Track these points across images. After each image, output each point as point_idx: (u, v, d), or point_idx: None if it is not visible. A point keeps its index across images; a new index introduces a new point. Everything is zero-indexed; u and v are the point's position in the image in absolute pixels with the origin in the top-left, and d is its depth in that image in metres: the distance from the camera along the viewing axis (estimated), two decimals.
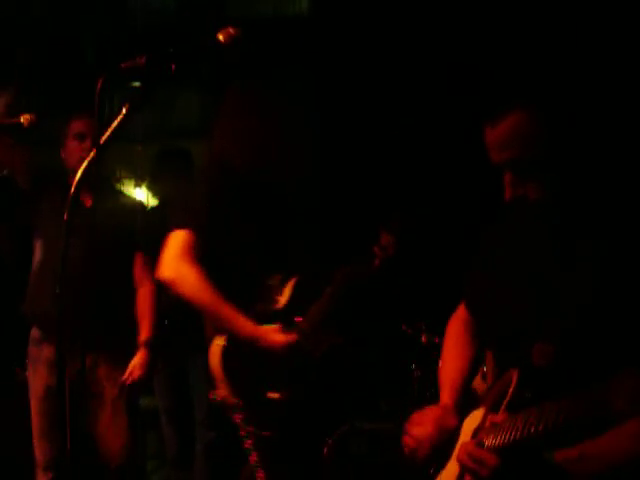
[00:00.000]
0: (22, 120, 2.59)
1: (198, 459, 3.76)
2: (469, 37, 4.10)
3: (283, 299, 2.55)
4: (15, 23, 5.05)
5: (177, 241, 2.43)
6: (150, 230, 3.37)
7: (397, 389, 3.30)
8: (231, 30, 1.61)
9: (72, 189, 1.50)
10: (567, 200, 1.63)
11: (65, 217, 1.48)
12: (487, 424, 1.65)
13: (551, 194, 1.62)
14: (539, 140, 1.59)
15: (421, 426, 1.80)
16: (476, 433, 1.70)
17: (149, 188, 4.07)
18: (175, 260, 2.41)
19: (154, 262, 2.88)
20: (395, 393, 3.32)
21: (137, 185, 6.46)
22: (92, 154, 1.53)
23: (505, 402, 1.63)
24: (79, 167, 2.77)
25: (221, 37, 1.61)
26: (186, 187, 3.74)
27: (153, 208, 4.13)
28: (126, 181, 6.70)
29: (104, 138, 1.53)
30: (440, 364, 1.97)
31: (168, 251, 2.44)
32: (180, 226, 2.46)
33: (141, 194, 5.99)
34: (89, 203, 2.96)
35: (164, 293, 3.46)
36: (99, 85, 1.55)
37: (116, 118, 1.56)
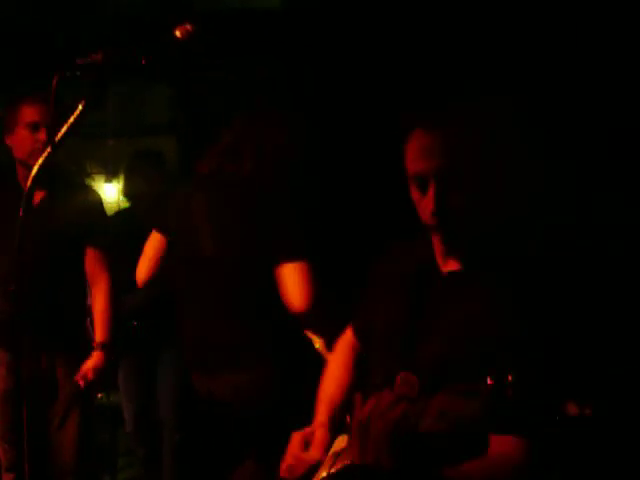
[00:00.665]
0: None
1: (165, 459, 3.77)
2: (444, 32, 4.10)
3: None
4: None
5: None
6: (112, 226, 3.38)
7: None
8: (187, 26, 1.61)
9: (28, 185, 1.49)
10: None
11: (20, 214, 1.47)
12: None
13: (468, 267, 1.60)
14: (473, 154, 1.54)
15: (299, 445, 1.78)
16: (334, 457, 1.71)
17: (122, 190, 4.06)
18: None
19: (110, 259, 2.92)
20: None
21: (108, 181, 6.43)
22: (48, 150, 1.52)
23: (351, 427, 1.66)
24: (30, 159, 2.77)
25: (178, 33, 1.60)
26: (157, 188, 3.80)
27: (125, 209, 4.13)
28: (97, 177, 6.67)
29: (60, 134, 1.52)
30: (322, 381, 1.95)
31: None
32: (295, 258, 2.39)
33: (112, 190, 5.97)
34: (38, 200, 2.86)
35: (132, 292, 3.45)
36: (54, 81, 1.54)
37: (72, 114, 1.56)
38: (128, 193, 3.99)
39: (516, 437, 1.48)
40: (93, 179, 6.59)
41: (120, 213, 4.17)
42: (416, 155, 1.57)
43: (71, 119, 1.55)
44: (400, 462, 1.50)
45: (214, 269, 2.50)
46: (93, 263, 2.99)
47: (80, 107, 1.55)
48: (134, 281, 2.88)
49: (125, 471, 4.46)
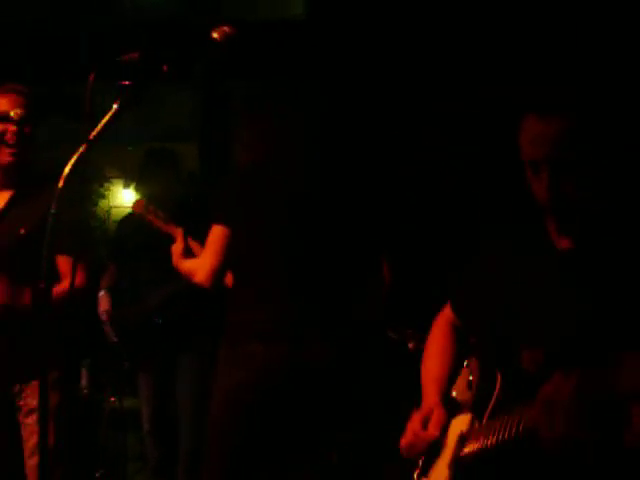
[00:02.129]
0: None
1: (181, 465, 3.74)
2: (466, 43, 4.10)
3: None
4: (10, 21, 5.03)
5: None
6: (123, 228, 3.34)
7: (383, 396, 3.29)
8: (226, 29, 1.60)
9: (60, 184, 1.48)
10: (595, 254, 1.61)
11: (53, 210, 1.46)
12: (473, 430, 1.65)
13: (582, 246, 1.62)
14: (589, 143, 1.57)
15: (420, 424, 1.81)
16: (461, 438, 1.70)
17: (136, 188, 4.05)
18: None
19: (81, 260, 2.67)
20: (380, 400, 3.31)
21: (126, 186, 6.44)
22: (81, 149, 1.51)
23: (489, 407, 1.63)
24: None
25: (216, 35, 1.59)
26: (171, 188, 3.82)
27: (126, 216, 4.13)
28: (115, 182, 6.68)
29: (94, 134, 1.51)
30: (423, 362, 1.97)
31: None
32: None
33: (130, 195, 5.97)
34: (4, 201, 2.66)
35: (153, 294, 3.44)
36: (91, 79, 1.53)
37: (106, 115, 1.55)
38: (141, 193, 3.99)
39: None
40: (112, 184, 6.61)
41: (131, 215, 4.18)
42: (530, 140, 1.61)
43: (106, 118, 1.54)
44: (596, 428, 1.42)
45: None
46: (62, 265, 2.59)
47: (115, 107, 1.54)
48: (153, 280, 2.86)
49: (135, 477, 4.43)
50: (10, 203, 2.65)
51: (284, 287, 2.60)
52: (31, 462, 2.52)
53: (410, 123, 4.34)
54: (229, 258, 2.57)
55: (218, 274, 2.56)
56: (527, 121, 1.61)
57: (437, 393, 1.85)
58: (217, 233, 2.59)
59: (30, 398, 2.55)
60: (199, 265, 2.60)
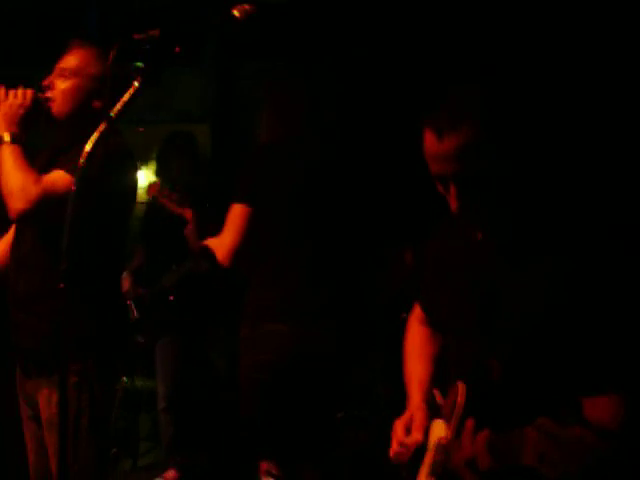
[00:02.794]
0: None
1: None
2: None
3: None
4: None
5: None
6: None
7: (393, 377, 3.29)
8: (246, 6, 1.60)
9: (82, 160, 1.48)
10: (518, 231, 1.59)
11: (74, 188, 1.46)
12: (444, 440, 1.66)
13: (498, 231, 1.60)
14: (487, 156, 1.51)
15: (403, 430, 1.80)
16: (438, 446, 1.68)
17: (156, 172, 4.09)
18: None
19: None
20: (391, 381, 3.32)
21: (138, 167, 6.42)
22: (103, 126, 1.51)
23: (454, 416, 1.63)
24: None
25: (236, 12, 1.59)
26: (188, 173, 3.84)
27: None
28: None
29: (116, 110, 1.51)
30: (404, 363, 1.96)
31: None
32: None
33: (142, 176, 5.96)
34: None
35: (169, 274, 3.47)
36: (111, 56, 1.53)
37: (128, 92, 1.55)
38: (160, 176, 4.01)
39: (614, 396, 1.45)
40: None
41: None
42: (432, 158, 1.56)
43: (126, 96, 1.54)
44: None
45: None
46: None
47: (136, 84, 1.54)
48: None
49: (147, 456, 4.47)
50: None
51: (302, 267, 2.61)
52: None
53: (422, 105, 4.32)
54: (249, 237, 2.58)
55: (237, 253, 2.57)
56: (426, 138, 1.55)
57: (420, 395, 1.85)
58: (237, 212, 2.60)
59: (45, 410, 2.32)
60: (218, 244, 2.60)
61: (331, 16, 4.68)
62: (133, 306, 3.61)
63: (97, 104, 2.35)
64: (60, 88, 2.35)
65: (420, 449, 1.75)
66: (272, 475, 4.03)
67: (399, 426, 1.82)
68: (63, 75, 2.36)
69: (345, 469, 3.28)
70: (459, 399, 1.61)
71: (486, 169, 1.51)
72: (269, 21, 3.83)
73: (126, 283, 3.96)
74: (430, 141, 1.54)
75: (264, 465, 4.06)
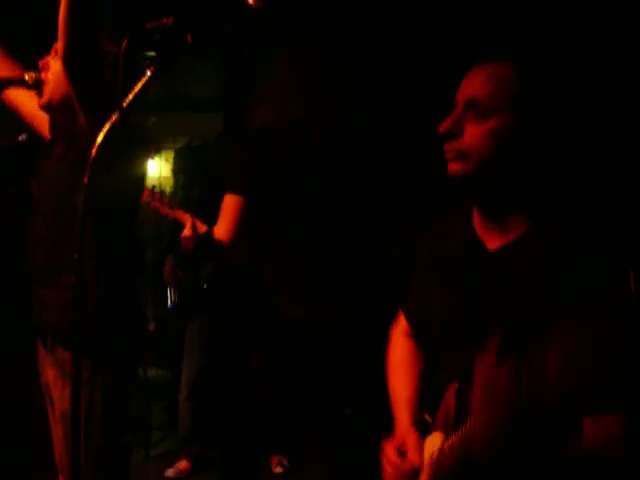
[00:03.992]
0: (26, 78, 2.38)
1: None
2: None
3: None
4: None
5: None
6: None
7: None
8: None
9: (93, 152, 1.45)
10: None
11: (85, 181, 1.43)
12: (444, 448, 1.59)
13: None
14: (510, 95, 1.49)
15: (396, 454, 1.73)
16: (432, 461, 1.63)
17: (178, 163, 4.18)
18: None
19: None
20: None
21: (150, 156, 6.43)
22: (114, 117, 1.48)
23: (452, 425, 1.58)
24: None
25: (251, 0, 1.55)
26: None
27: None
28: None
29: (128, 100, 1.47)
30: (388, 379, 1.88)
31: None
32: None
33: (154, 166, 5.96)
34: None
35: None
36: (123, 45, 1.50)
37: (140, 81, 1.51)
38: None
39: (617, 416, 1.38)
40: None
41: None
42: (464, 81, 1.58)
43: (138, 86, 1.50)
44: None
45: None
46: None
47: (148, 74, 1.51)
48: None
49: (159, 446, 4.47)
50: None
51: (304, 252, 2.61)
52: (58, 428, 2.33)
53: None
54: (243, 227, 2.58)
55: (232, 245, 2.59)
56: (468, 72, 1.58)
57: (408, 417, 1.77)
58: (230, 202, 2.60)
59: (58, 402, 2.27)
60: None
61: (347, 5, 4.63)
62: (173, 291, 3.66)
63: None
64: (54, 69, 2.25)
65: (417, 472, 1.68)
66: (282, 466, 4.04)
67: (390, 449, 1.73)
68: (58, 56, 2.18)
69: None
70: (451, 407, 1.57)
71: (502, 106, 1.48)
72: (286, 7, 3.81)
73: (168, 267, 4.00)
74: (466, 75, 1.54)
75: (275, 458, 4.07)
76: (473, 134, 1.50)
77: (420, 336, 1.85)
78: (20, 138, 2.78)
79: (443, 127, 1.52)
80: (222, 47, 4.75)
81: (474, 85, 1.52)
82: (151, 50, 1.55)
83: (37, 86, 2.31)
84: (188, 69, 4.99)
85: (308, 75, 2.73)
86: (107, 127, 1.47)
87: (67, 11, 1.97)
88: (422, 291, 1.76)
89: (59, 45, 2.05)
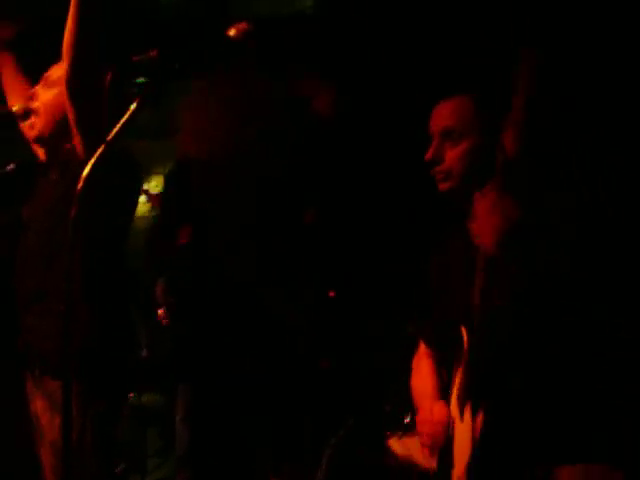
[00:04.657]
0: (15, 109, 2.34)
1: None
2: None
3: None
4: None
5: None
6: None
7: (400, 391, 3.28)
8: (243, 25, 1.60)
9: (80, 185, 1.47)
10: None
11: (72, 215, 1.45)
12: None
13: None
14: (475, 120, 1.84)
15: (427, 423, 1.93)
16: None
17: None
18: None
19: None
20: (398, 395, 3.30)
21: (147, 180, 6.45)
22: (101, 149, 1.50)
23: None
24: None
25: (232, 32, 1.59)
26: None
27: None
28: None
29: (113, 133, 1.50)
30: (415, 400, 2.09)
31: None
32: None
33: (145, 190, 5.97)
34: None
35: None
36: (108, 78, 1.53)
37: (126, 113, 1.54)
38: None
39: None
40: None
41: None
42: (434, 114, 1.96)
43: (124, 118, 1.53)
44: None
45: None
46: None
47: (134, 106, 1.54)
48: None
49: (155, 472, 4.45)
50: None
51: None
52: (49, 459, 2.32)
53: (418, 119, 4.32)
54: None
55: None
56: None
57: (433, 399, 1.97)
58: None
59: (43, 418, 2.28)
60: None
61: (332, 29, 4.69)
62: (165, 313, 3.67)
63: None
64: (44, 98, 2.23)
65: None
66: None
67: (422, 417, 1.94)
68: (46, 85, 2.22)
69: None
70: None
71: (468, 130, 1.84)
72: (273, 35, 3.86)
73: (159, 290, 4.04)
74: (436, 107, 1.92)
75: None
76: (452, 157, 1.84)
77: (440, 354, 2.04)
78: (8, 168, 2.80)
79: (428, 156, 1.87)
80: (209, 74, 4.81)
81: (444, 117, 1.88)
82: (137, 81, 1.59)
83: (26, 117, 2.32)
84: (176, 96, 5.04)
85: (231, 100, 2.76)
86: (94, 159, 1.49)
87: (73, 32, 1.97)
88: (436, 309, 1.95)
89: (64, 66, 2.02)
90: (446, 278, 1.87)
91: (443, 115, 1.88)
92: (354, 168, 4.14)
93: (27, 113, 2.30)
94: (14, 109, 2.37)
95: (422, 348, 2.11)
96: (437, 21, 4.24)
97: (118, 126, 1.51)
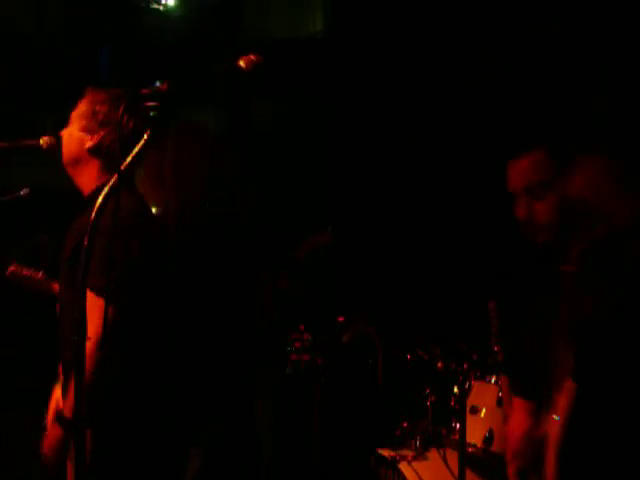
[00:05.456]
0: (41, 142, 2.45)
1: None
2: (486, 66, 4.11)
3: None
4: (31, 38, 5.10)
5: None
6: None
7: (412, 415, 3.27)
8: (253, 57, 1.62)
9: (92, 215, 1.49)
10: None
11: (85, 244, 1.47)
12: None
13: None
14: (549, 172, 1.99)
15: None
16: None
17: None
18: None
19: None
20: (410, 419, 3.29)
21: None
22: (114, 179, 1.53)
23: None
24: None
25: (242, 63, 1.61)
26: None
27: None
28: None
29: (126, 164, 1.53)
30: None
31: None
32: None
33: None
34: None
35: None
36: (120, 111, 1.55)
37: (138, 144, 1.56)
38: None
39: None
40: None
41: None
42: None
43: (137, 148, 1.56)
44: None
45: None
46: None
47: (145, 137, 1.56)
48: None
49: None
50: None
51: None
52: None
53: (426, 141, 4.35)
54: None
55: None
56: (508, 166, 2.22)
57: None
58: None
59: None
60: None
61: (342, 52, 4.73)
62: None
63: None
64: (67, 130, 2.36)
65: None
66: None
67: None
68: (71, 121, 2.35)
69: None
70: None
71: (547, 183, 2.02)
72: (280, 62, 3.89)
73: None
74: (509, 165, 2.11)
75: None
76: (540, 213, 2.01)
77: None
78: (22, 192, 2.85)
79: (519, 214, 2.04)
80: (219, 101, 4.86)
81: (523, 175, 2.04)
82: (148, 113, 1.61)
83: (51, 149, 2.40)
84: (188, 119, 5.08)
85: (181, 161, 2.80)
86: (106, 190, 1.51)
87: None
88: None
89: None
90: (541, 336, 2.01)
91: (523, 171, 2.03)
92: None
93: (51, 146, 2.40)
94: (40, 142, 2.45)
95: (517, 402, 2.26)
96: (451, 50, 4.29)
97: (131, 156, 1.54)
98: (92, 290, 1.78)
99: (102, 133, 2.18)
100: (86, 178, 2.30)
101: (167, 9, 5.17)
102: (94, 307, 1.80)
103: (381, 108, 4.48)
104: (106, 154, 2.19)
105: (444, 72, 4.23)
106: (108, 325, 1.90)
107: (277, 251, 3.64)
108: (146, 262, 2.17)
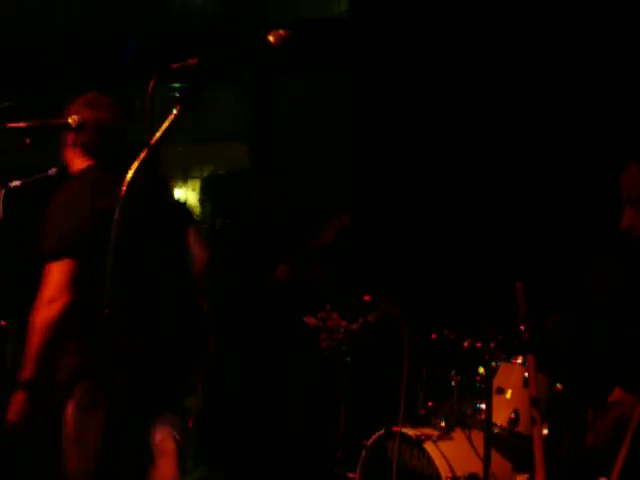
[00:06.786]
0: (70, 121, 2.52)
1: None
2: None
3: None
4: (57, 23, 5.14)
5: None
6: None
7: (437, 394, 3.28)
8: (282, 32, 1.62)
9: (123, 189, 1.51)
10: None
11: (117, 217, 1.49)
12: None
13: None
14: None
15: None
16: None
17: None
18: None
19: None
20: (435, 398, 3.30)
21: (177, 186, 6.52)
22: (143, 154, 1.54)
23: None
24: None
25: (271, 39, 1.61)
26: None
27: None
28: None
29: (155, 138, 1.54)
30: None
31: None
32: None
33: (181, 194, 6.05)
34: None
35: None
36: (151, 85, 1.56)
37: (167, 119, 1.57)
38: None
39: None
40: None
41: None
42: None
43: (166, 123, 1.56)
44: None
45: None
46: None
47: (175, 111, 1.57)
48: None
49: (189, 475, 4.47)
50: None
51: None
52: None
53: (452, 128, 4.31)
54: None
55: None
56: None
57: None
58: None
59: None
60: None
61: (367, 32, 4.70)
62: None
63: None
64: None
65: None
66: None
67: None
68: None
69: None
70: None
71: None
72: (308, 40, 3.88)
73: None
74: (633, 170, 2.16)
75: None
76: None
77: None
78: (50, 172, 2.87)
79: (625, 224, 2.15)
80: (245, 77, 4.87)
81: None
82: (177, 88, 1.62)
83: (80, 128, 2.49)
84: (213, 101, 5.10)
85: None
86: (137, 163, 1.53)
87: None
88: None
89: None
90: None
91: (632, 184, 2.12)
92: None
93: (80, 126, 2.52)
94: (69, 121, 2.53)
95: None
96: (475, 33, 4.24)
97: (160, 131, 1.55)
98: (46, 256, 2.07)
99: None
100: None
101: None
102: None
103: (403, 89, 4.46)
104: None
105: (470, 56, 4.20)
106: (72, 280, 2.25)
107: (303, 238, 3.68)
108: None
